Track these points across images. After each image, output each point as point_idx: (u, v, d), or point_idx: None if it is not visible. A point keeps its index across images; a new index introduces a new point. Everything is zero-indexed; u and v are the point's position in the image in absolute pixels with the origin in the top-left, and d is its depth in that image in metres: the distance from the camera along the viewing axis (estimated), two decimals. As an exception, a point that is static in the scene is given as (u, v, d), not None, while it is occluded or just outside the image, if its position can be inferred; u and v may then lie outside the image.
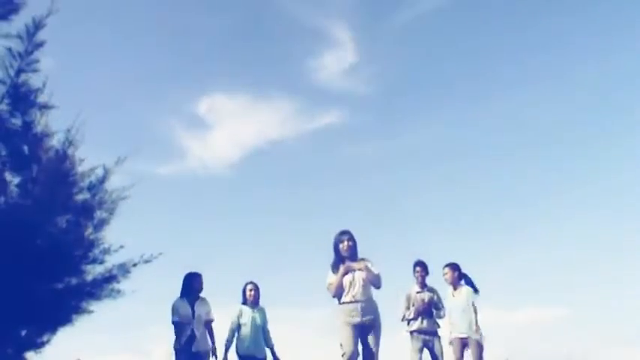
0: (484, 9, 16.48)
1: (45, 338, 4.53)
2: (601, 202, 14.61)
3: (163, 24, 16.60)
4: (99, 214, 4.45)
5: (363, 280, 4.55)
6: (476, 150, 16.24)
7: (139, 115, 16.55)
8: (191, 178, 16.31)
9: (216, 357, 5.65)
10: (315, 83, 16.62)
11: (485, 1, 16.79)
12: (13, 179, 3.95)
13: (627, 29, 15.01)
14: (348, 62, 16.95)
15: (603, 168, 15.08)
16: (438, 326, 6.08)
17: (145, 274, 4.89)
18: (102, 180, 4.45)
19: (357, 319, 4.46)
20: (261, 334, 5.96)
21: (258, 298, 6.08)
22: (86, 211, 4.32)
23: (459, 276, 6.08)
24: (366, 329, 4.48)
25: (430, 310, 6.09)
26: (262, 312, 6.07)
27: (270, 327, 6.11)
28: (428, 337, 6.05)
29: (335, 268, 4.67)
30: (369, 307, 4.54)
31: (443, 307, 6.10)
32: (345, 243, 4.69)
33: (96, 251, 4.47)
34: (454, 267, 6.12)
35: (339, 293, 4.58)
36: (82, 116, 4.26)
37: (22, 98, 3.89)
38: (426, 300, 6.12)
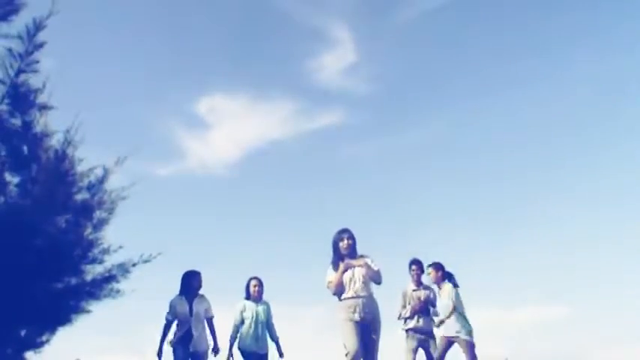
0: (484, 8, 16.50)
1: (44, 338, 4.53)
2: (601, 201, 14.63)
3: (163, 24, 16.63)
4: (98, 214, 4.45)
5: (363, 277, 4.57)
6: (476, 150, 16.28)
7: (138, 115, 16.59)
8: (191, 178, 16.35)
9: (216, 354, 5.66)
10: (315, 83, 16.66)
11: (485, 0, 16.81)
12: (12, 179, 3.96)
13: (627, 29, 15.01)
14: (348, 62, 16.99)
15: (603, 168, 15.10)
16: (442, 322, 6.08)
17: (145, 274, 4.90)
18: (101, 180, 4.45)
19: (359, 316, 4.46)
20: (264, 329, 5.96)
21: (262, 293, 6.09)
22: (85, 211, 4.33)
23: (442, 275, 6.06)
24: (367, 328, 4.49)
25: (426, 308, 6.09)
26: (267, 306, 6.06)
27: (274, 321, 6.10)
28: (424, 337, 6.02)
29: (335, 265, 4.68)
30: (370, 304, 4.55)
31: None
32: (345, 241, 4.70)
33: (95, 251, 4.47)
34: (437, 266, 6.09)
35: (339, 291, 4.59)
36: (81, 116, 4.27)
37: (22, 98, 3.89)
38: (422, 298, 6.11)
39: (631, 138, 14.96)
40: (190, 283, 5.64)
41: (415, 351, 6.03)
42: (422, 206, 15.76)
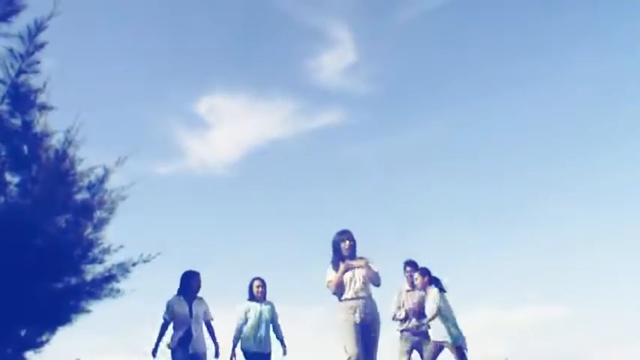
0: (484, 8, 16.52)
1: (44, 338, 4.53)
2: (601, 201, 14.64)
3: (164, 24, 16.64)
4: (98, 213, 4.45)
5: (364, 278, 4.59)
6: (476, 150, 16.30)
7: (139, 115, 16.61)
8: (191, 177, 16.37)
9: (218, 356, 5.65)
10: (314, 83, 16.68)
11: (485, 0, 16.83)
12: (12, 179, 3.96)
13: (627, 29, 15.02)
14: (348, 62, 17.01)
15: (603, 168, 15.12)
16: (429, 327, 6.07)
17: (145, 274, 4.91)
18: (101, 180, 4.45)
19: (359, 318, 4.47)
20: (268, 329, 5.95)
21: (266, 293, 6.08)
22: (86, 210, 4.33)
23: (429, 280, 6.02)
24: (367, 328, 4.50)
25: (421, 309, 6.07)
26: (271, 307, 6.04)
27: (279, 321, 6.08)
28: (418, 338, 6.00)
29: (335, 265, 4.69)
30: (370, 306, 4.57)
31: None
32: (347, 242, 4.72)
33: (95, 251, 4.47)
34: (424, 272, 6.06)
35: (339, 291, 4.60)
36: (82, 116, 4.28)
37: (23, 98, 3.90)
38: (416, 299, 6.10)
39: (631, 138, 14.99)
40: (189, 284, 5.62)
41: (409, 352, 6.03)
42: (422, 206, 15.80)
